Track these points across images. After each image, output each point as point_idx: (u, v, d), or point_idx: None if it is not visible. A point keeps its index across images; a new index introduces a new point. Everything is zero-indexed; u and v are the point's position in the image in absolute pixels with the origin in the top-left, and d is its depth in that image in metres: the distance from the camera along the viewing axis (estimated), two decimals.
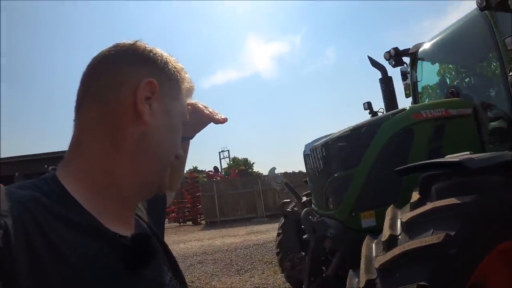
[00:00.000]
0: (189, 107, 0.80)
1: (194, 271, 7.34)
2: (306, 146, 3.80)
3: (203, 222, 17.81)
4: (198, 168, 24.93)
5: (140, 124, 0.59)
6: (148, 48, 0.64)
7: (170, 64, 0.67)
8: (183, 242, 11.90)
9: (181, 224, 18.67)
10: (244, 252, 8.63)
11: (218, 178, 20.21)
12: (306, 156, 3.69)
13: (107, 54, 0.62)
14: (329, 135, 3.34)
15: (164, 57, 0.66)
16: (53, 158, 25.20)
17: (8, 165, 25.42)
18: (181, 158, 0.75)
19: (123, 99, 0.59)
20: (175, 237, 13.88)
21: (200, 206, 18.46)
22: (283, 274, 4.59)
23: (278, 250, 4.56)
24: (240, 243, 10.04)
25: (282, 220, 4.46)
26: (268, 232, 11.50)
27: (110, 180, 0.59)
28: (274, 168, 4.66)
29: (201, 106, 0.89)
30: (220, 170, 24.76)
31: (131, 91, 0.59)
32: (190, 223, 18.47)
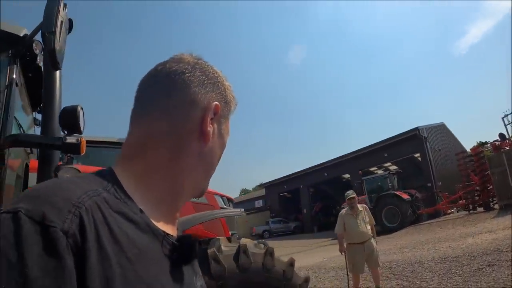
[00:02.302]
0: None
1: (482, 278, 5.76)
2: None
3: (496, 206, 14.56)
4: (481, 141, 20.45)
5: (203, 142, 0.68)
6: (211, 69, 0.72)
7: (225, 86, 0.74)
8: (471, 235, 10.00)
9: (471, 212, 15.94)
10: None
11: (507, 148, 16.02)
12: None
13: (174, 70, 0.68)
14: None
15: (222, 78, 0.73)
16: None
17: (296, 179, 31.81)
18: None
19: (193, 118, 0.67)
20: (463, 229, 11.91)
21: (491, 187, 15.22)
22: None
23: None
24: None
25: None
26: None
27: (169, 185, 0.65)
28: None
29: None
30: (508, 137, 19.49)
31: (200, 111, 0.67)
32: (481, 209, 15.52)
